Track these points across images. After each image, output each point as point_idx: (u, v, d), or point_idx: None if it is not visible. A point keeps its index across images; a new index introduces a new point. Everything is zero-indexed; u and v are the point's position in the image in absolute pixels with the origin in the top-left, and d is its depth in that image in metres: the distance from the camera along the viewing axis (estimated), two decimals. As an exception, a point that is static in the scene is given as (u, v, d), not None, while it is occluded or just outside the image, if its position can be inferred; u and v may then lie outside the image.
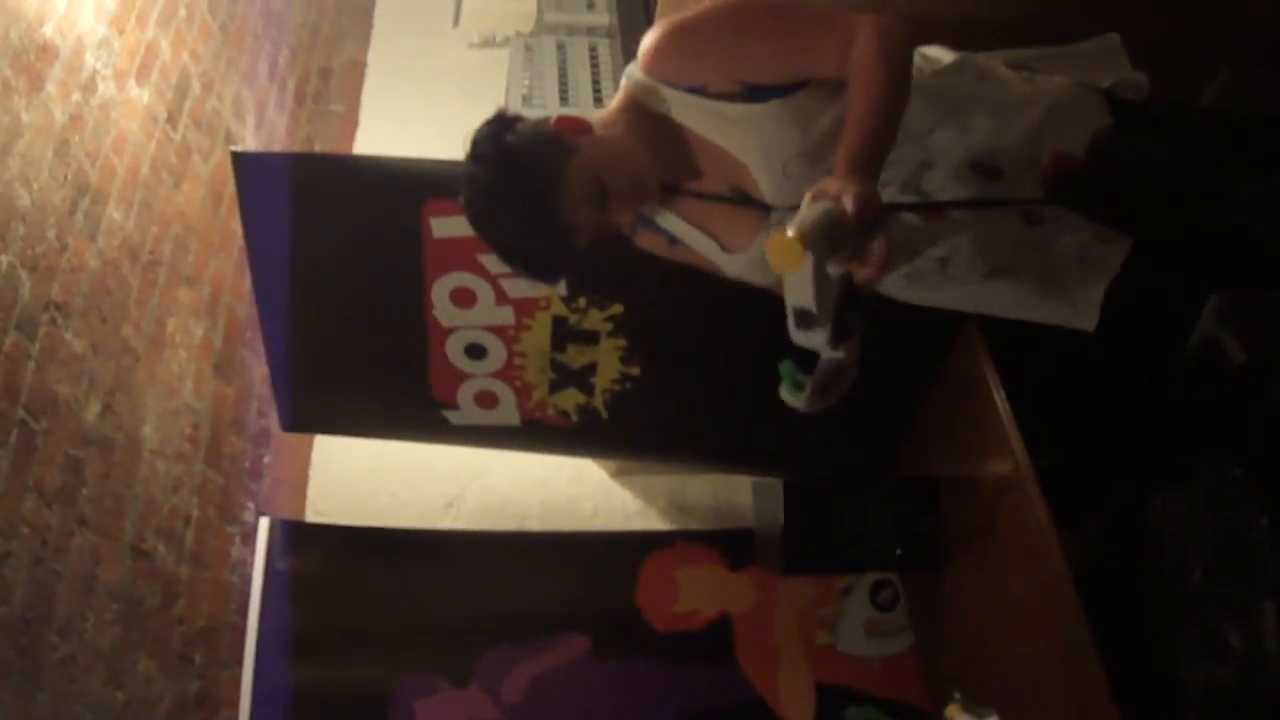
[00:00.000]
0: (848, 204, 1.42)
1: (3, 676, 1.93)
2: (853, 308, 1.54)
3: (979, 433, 2.30)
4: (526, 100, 3.72)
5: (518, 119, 1.66)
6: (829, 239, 1.42)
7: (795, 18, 1.64)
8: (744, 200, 1.77)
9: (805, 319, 1.51)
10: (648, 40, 1.67)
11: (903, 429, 2.73)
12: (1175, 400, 2.15)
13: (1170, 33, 2.06)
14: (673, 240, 1.89)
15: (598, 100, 3.73)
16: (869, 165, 1.53)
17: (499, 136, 1.62)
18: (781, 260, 1.41)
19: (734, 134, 1.70)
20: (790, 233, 1.39)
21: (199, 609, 2.67)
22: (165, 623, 2.50)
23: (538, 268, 1.69)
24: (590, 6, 4.11)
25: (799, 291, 1.47)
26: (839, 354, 1.56)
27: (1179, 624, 2.02)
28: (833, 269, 1.47)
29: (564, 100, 3.72)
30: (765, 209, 1.76)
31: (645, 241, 1.93)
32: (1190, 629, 1.99)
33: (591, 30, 4.08)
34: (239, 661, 2.81)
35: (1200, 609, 1.98)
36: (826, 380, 1.60)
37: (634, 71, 1.72)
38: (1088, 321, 1.89)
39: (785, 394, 1.63)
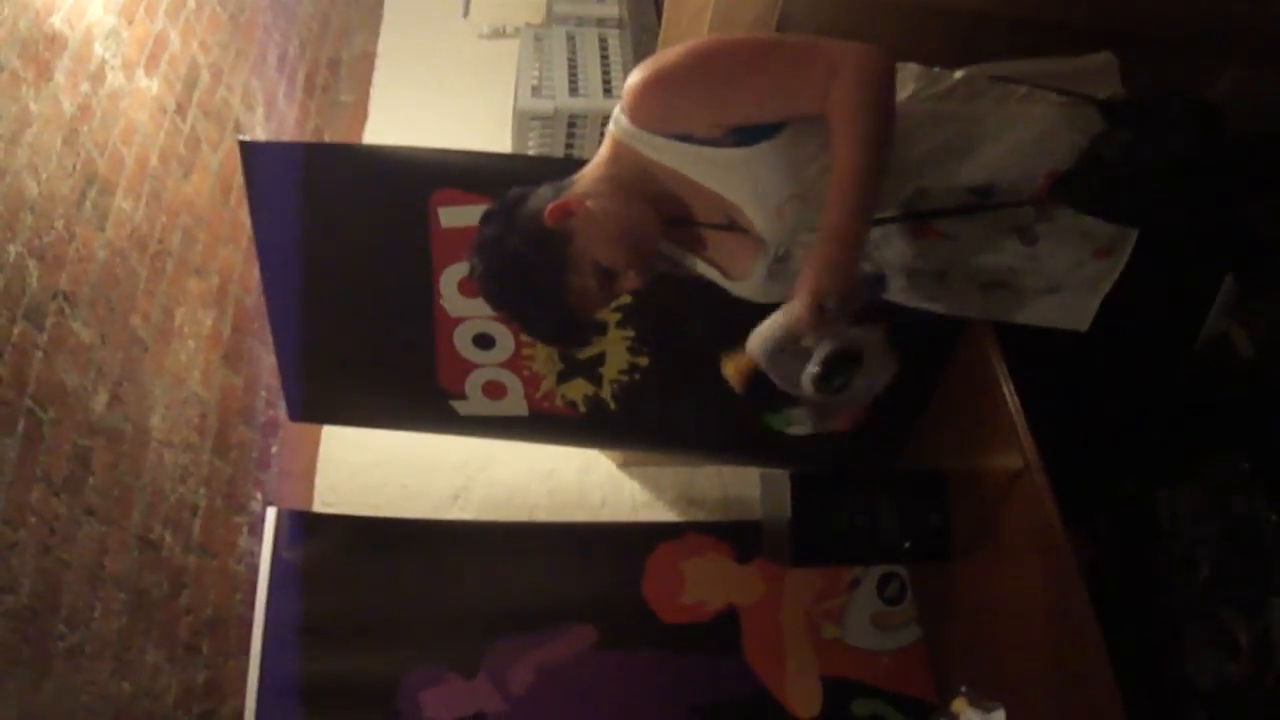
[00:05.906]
0: (798, 311, 1.57)
1: (10, 666, 1.93)
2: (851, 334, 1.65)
3: (987, 425, 2.29)
4: (536, 91, 3.73)
5: (518, 208, 1.70)
6: (792, 340, 1.61)
7: (775, 57, 1.62)
8: (742, 227, 1.77)
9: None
10: (631, 87, 1.64)
11: (910, 420, 2.72)
12: (1184, 395, 2.14)
13: (1176, 32, 2.04)
14: (677, 263, 1.91)
15: (607, 91, 3.73)
16: (849, 238, 1.58)
17: (502, 242, 1.69)
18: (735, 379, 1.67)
19: (724, 178, 1.68)
20: (744, 358, 1.64)
21: (206, 599, 2.67)
22: (172, 612, 2.51)
23: (565, 342, 2.00)
24: (600, -3, 4.12)
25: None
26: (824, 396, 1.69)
27: (1187, 620, 2.01)
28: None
29: (573, 91, 3.72)
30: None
31: None
32: (1199, 625, 1.99)
33: (601, 21, 4.09)
34: (246, 651, 2.82)
35: (1209, 605, 1.98)
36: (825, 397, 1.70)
37: (620, 118, 1.69)
38: (1080, 323, 1.89)
39: (787, 428, 1.79)
